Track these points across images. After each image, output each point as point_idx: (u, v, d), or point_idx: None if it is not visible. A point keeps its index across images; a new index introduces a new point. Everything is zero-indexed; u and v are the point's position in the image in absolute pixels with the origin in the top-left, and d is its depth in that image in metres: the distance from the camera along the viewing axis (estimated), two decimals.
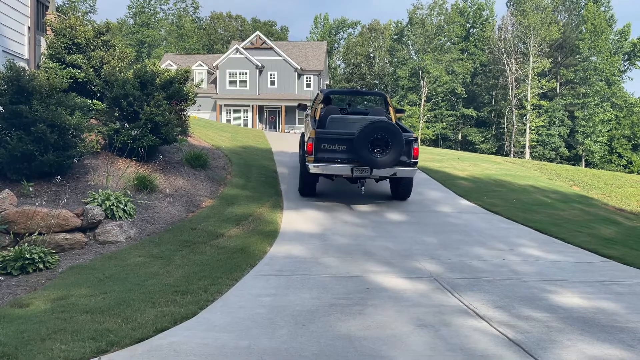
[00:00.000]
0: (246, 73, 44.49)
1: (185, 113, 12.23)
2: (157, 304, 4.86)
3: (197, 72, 46.43)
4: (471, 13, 60.82)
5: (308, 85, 45.75)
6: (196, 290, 5.29)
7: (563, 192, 12.99)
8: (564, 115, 53.13)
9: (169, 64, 46.70)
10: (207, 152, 11.90)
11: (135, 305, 4.78)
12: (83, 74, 9.99)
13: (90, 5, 66.24)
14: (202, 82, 46.49)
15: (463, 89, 55.81)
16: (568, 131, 53.39)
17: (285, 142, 18.50)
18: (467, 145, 57.09)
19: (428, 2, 57.55)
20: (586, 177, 17.66)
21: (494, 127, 58.79)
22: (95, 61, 10.12)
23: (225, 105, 44.93)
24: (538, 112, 52.57)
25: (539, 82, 52.28)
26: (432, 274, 6.16)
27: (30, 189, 7.62)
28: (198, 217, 8.46)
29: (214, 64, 45.27)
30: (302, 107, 12.17)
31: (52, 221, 6.85)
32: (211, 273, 5.92)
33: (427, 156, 16.39)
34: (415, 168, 9.16)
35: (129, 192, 8.23)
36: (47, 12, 10.36)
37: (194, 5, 77.28)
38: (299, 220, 8.67)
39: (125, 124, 8.73)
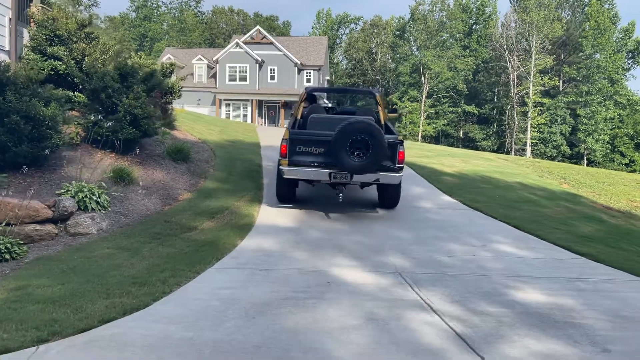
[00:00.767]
0: (246, 68, 44.40)
1: (170, 106, 12.26)
2: (111, 295, 4.85)
3: (197, 66, 46.40)
4: (474, 9, 60.48)
5: (308, 81, 45.60)
6: (155, 282, 5.28)
7: (551, 190, 12.92)
8: (565, 113, 52.82)
9: (168, 58, 46.71)
10: (191, 145, 11.89)
11: (88, 296, 4.78)
12: (64, 66, 10.00)
13: None
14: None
15: (464, 85, 55.57)
16: (570, 129, 53.11)
17: (276, 136, 18.41)
18: (469, 143, 56.91)
19: None
20: (579, 175, 17.57)
21: (495, 125, 58.55)
22: (77, 53, 10.11)
23: (225, 100, 44.89)
24: (540, 109, 52.31)
25: (541, 79, 51.98)
26: (398, 268, 6.13)
27: (4, 179, 7.63)
28: (174, 210, 8.45)
29: (214, 58, 45.21)
30: (288, 106, 11.79)
31: (21, 212, 6.86)
32: (175, 265, 5.92)
33: (417, 152, 16.34)
34: (401, 174, 8.26)
35: (104, 185, 8.22)
36: (30, 4, 10.35)
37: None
38: (276, 214, 8.65)
39: (99, 117, 8.71)
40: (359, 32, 69.43)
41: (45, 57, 10.00)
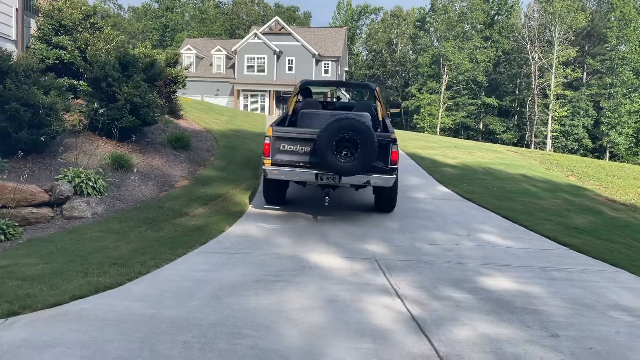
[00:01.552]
0: (264, 58, 44.62)
1: (174, 95, 12.50)
2: (89, 274, 5.08)
3: (215, 56, 46.80)
4: (496, 0, 59.55)
5: (326, 72, 45.64)
6: (134, 263, 5.49)
7: (554, 182, 12.82)
8: (588, 105, 51.79)
9: (188, 49, 47.25)
10: (195, 134, 12.13)
11: (67, 275, 5.02)
12: (69, 55, 10.30)
13: None
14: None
15: (484, 77, 54.87)
16: (592, 122, 52.08)
17: None
18: (489, 135, 56.27)
19: None
20: (589, 168, 17.35)
21: (516, 117, 57.75)
22: (80, 43, 10.40)
23: (242, 91, 45.22)
24: (562, 102, 51.40)
25: (564, 71, 51.01)
26: (375, 255, 6.24)
27: (5, 164, 7.94)
28: (168, 197, 8.69)
29: (233, 49, 45.52)
30: (283, 100, 10.86)
31: (19, 196, 7.15)
32: (158, 249, 6.13)
33: (422, 144, 16.33)
34: (394, 176, 7.52)
35: (101, 171, 8.50)
36: None
37: None
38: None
39: (96, 104, 8.97)
40: (379, 23, 69.02)
41: (51, 47, 10.33)
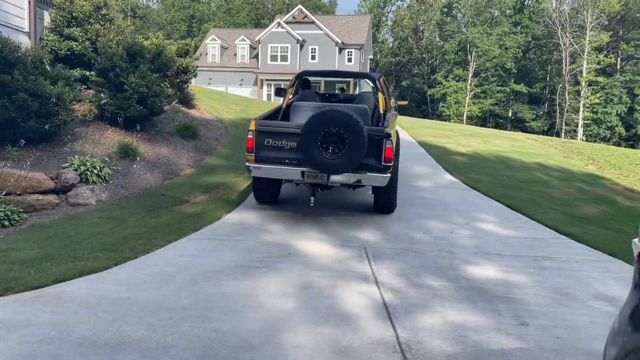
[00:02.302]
0: (287, 47, 44.66)
1: (187, 85, 12.66)
2: (78, 259, 5.24)
3: (239, 46, 47.08)
4: None
5: (349, 60, 45.41)
6: (124, 249, 5.64)
7: (570, 171, 12.53)
8: (622, 92, 50.11)
9: (213, 39, 47.65)
10: (205, 123, 12.28)
11: (57, 259, 5.19)
12: (80, 47, 10.55)
13: None
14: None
15: (513, 63, 53.59)
16: (626, 110, 50.42)
17: None
18: (518, 123, 55.06)
19: None
20: (612, 157, 16.88)
21: (546, 105, 56.34)
22: (91, 34, 10.63)
23: (266, 80, 45.39)
24: (594, 88, 49.87)
25: (596, 57, 49.43)
26: (365, 243, 6.25)
27: (15, 153, 8.21)
28: (172, 185, 8.85)
29: (256, 39, 45.69)
30: (281, 93, 9.38)
31: (25, 183, 7.40)
32: (151, 235, 6.27)
33: (436, 132, 16.15)
34: (388, 174, 6.77)
35: (107, 159, 8.70)
36: None
37: None
38: None
39: (102, 95, 9.16)
40: (406, 10, 68.02)
41: (63, 38, 10.59)
